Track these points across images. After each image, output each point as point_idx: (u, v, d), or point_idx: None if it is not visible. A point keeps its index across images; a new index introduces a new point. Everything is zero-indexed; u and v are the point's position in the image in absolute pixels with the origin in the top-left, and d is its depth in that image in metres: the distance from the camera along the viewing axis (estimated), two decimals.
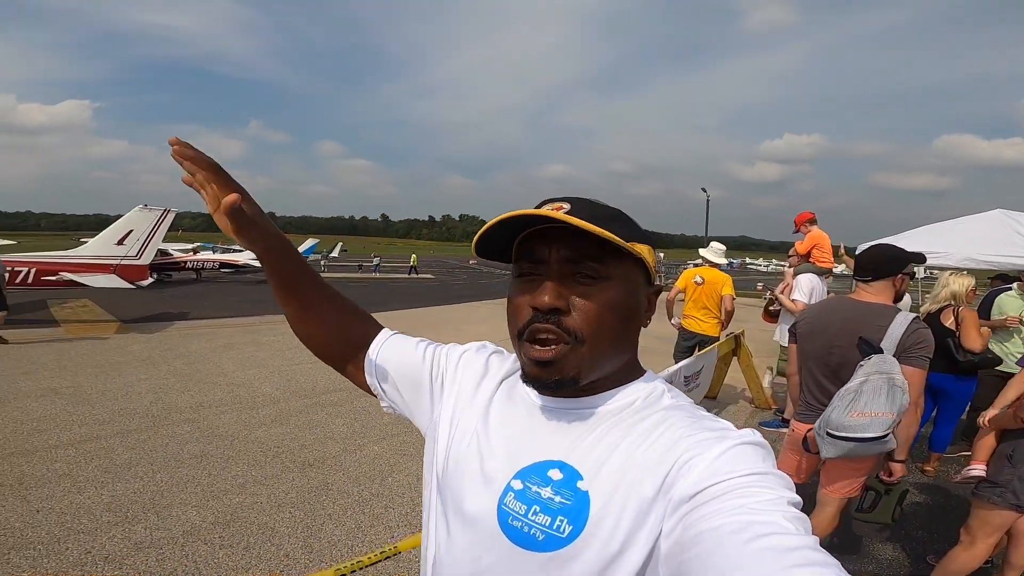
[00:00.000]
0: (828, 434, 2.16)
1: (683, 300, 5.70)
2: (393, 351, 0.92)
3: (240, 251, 26.99)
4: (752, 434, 0.62)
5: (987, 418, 2.66)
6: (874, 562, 3.04)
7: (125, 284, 11.29)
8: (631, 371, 0.74)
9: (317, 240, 35.28)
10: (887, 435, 2.08)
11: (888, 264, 2.41)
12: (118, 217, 12.33)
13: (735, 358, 6.18)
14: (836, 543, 3.02)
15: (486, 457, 0.72)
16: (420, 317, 13.10)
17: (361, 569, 2.09)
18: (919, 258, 2.48)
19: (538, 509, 0.64)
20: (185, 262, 21.65)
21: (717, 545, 0.49)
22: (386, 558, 2.20)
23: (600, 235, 0.61)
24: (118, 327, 9.91)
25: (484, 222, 0.69)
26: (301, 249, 32.77)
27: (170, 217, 12.92)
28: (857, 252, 2.60)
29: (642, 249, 0.67)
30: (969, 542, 2.46)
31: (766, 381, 6.18)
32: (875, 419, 2.06)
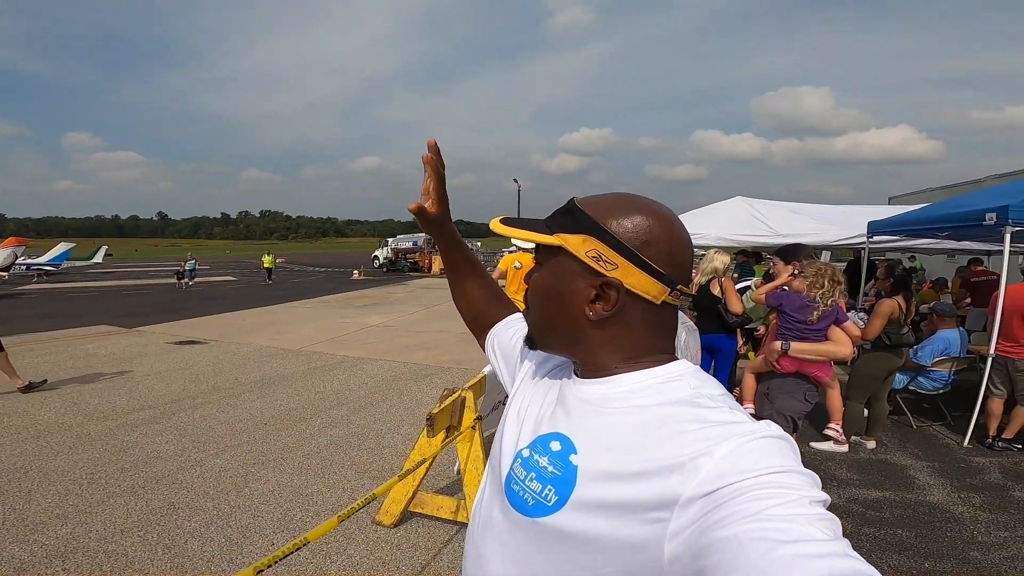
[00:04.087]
0: None
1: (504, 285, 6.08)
2: (505, 331, 1.03)
3: None
4: (768, 427, 0.58)
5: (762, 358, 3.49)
6: None
7: None
8: (640, 357, 0.71)
9: (72, 245, 29.09)
10: None
11: None
12: None
13: None
14: None
15: (517, 425, 0.78)
16: (233, 322, 11.68)
17: (277, 562, 2.01)
18: None
19: (534, 476, 0.67)
20: None
21: (738, 554, 0.46)
22: (297, 549, 2.13)
23: (500, 232, 0.77)
24: None
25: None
26: (49, 256, 26.92)
27: None
28: None
29: (564, 239, 0.69)
30: None
31: None
32: (696, 358, 2.58)
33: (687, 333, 2.51)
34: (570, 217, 0.70)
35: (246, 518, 3.20)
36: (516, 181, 32.77)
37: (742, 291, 5.87)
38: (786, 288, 3.65)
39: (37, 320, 11.90)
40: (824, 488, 0.53)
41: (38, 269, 24.97)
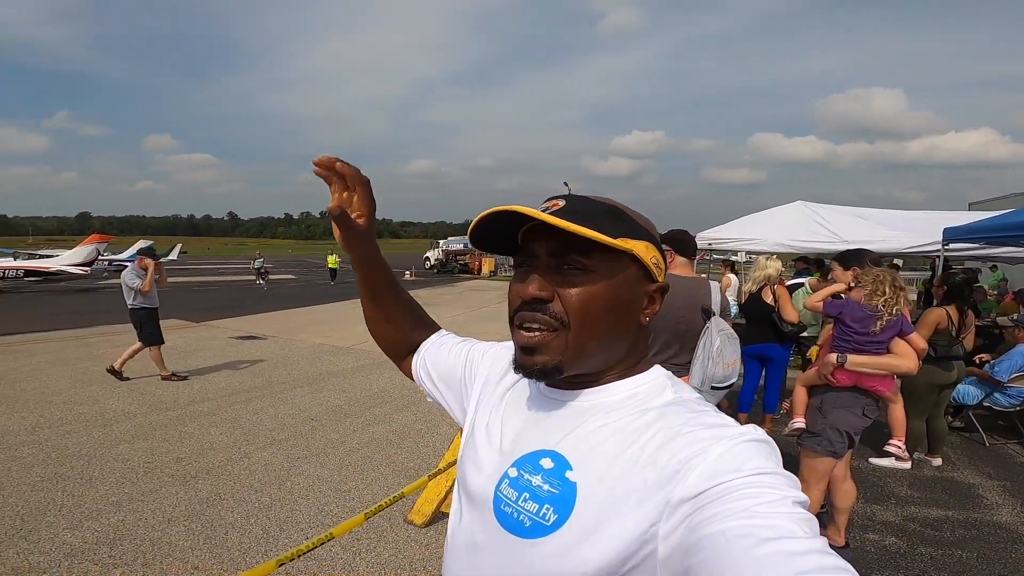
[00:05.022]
0: (713, 388, 2.46)
1: None
2: (437, 352, 0.98)
3: (51, 256, 22.97)
4: (754, 431, 0.60)
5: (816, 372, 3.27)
6: None
7: None
8: (633, 366, 0.72)
9: (150, 242, 31.13)
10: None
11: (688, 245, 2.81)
12: None
13: None
14: None
15: (492, 445, 0.75)
16: (291, 319, 12.18)
17: (299, 557, 2.05)
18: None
19: (528, 496, 0.65)
20: None
21: (722, 551, 0.47)
22: (320, 544, 2.17)
23: (575, 232, 0.62)
24: None
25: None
26: (128, 253, 28.76)
27: None
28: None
29: (633, 245, 0.67)
30: (804, 489, 2.97)
31: None
32: (734, 368, 2.49)
33: (723, 341, 2.37)
34: (622, 222, 0.68)
35: (284, 512, 3.30)
36: (566, 184, 32.61)
37: (793, 288, 5.58)
38: (843, 296, 3.41)
39: (114, 313, 12.71)
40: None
41: (118, 264, 26.72)
